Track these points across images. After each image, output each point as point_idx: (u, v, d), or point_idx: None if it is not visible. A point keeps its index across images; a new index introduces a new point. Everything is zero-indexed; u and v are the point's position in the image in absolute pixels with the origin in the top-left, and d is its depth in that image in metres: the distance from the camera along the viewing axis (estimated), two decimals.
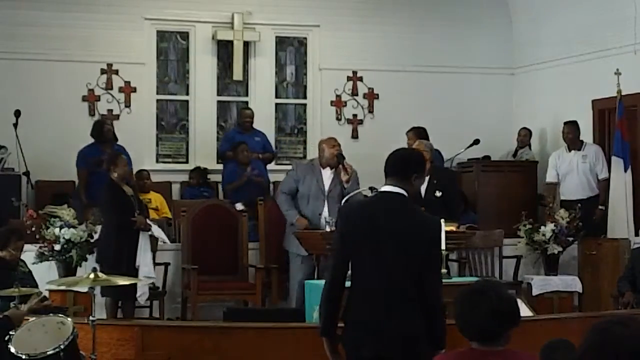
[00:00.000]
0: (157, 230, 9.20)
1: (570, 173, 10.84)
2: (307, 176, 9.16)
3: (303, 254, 9.08)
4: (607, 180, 10.59)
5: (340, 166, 9.11)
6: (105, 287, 7.87)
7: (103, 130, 10.59)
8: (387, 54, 12.45)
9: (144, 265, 8.93)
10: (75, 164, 10.56)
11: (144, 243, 8.99)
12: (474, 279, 8.31)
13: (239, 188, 10.79)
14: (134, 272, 8.66)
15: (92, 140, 10.66)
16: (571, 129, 10.90)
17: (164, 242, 9.49)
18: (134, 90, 11.86)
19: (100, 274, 6.41)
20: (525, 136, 11.96)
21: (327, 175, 9.20)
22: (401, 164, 4.81)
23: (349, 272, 4.79)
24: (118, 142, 10.72)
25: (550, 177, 11.01)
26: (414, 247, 4.61)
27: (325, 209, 9.06)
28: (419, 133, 10.52)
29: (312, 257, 9.02)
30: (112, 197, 8.98)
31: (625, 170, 10.33)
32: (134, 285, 8.57)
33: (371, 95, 12.57)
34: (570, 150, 10.91)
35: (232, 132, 11.72)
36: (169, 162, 12.10)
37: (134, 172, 10.67)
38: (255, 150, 11.22)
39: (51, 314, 6.56)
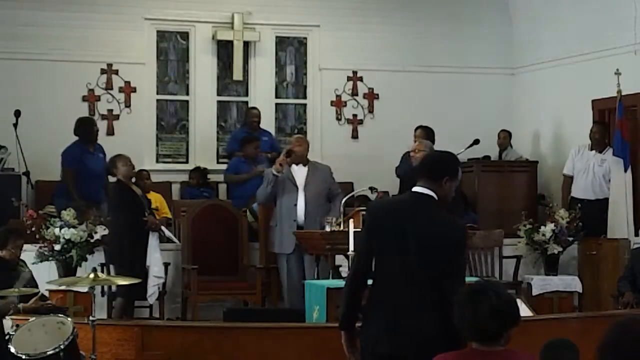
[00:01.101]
0: (167, 230, 9.25)
1: (584, 171, 10.81)
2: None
3: (286, 252, 9.22)
4: None
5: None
6: (118, 287, 7.87)
7: (93, 131, 10.54)
8: (387, 54, 12.45)
9: (154, 265, 8.96)
10: (62, 164, 10.34)
11: (153, 243, 9.01)
12: (474, 279, 8.29)
13: (243, 183, 10.79)
14: (145, 272, 8.68)
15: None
16: (599, 129, 10.86)
17: (172, 242, 9.51)
18: (134, 90, 11.86)
19: (100, 274, 6.43)
20: (504, 138, 11.96)
21: (299, 170, 9.39)
22: (433, 166, 4.81)
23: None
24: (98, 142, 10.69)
25: (566, 170, 10.99)
26: (438, 250, 4.60)
27: (301, 200, 9.25)
28: (427, 133, 10.66)
29: (296, 254, 9.16)
30: (122, 197, 9.00)
31: (625, 170, 10.32)
32: (142, 285, 8.55)
33: (371, 95, 12.56)
34: (591, 150, 10.87)
35: (240, 132, 11.68)
36: (169, 162, 12.09)
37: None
38: (263, 150, 11.20)
39: (51, 314, 6.57)
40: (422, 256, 4.59)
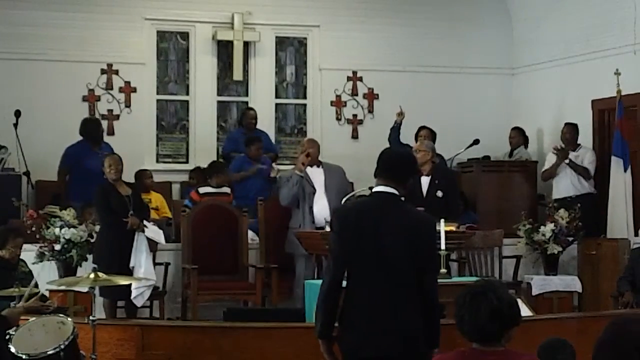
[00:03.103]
0: (151, 232, 9.12)
1: (562, 172, 10.90)
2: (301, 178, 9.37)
3: (305, 253, 9.22)
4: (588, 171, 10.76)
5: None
6: (102, 287, 7.87)
7: (98, 132, 10.59)
8: (387, 54, 12.45)
9: (139, 267, 8.86)
10: (62, 161, 10.51)
11: (139, 244, 8.92)
12: (474, 279, 8.31)
13: (246, 182, 10.79)
14: (127, 273, 8.61)
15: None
16: (569, 129, 11.02)
17: (159, 243, 9.45)
18: (134, 90, 11.86)
19: (100, 274, 6.43)
20: (515, 137, 11.90)
21: (314, 172, 9.42)
22: (400, 167, 4.87)
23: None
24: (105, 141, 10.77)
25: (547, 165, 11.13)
26: (414, 246, 4.65)
27: (324, 202, 9.26)
28: (431, 133, 10.72)
29: (313, 256, 9.14)
30: (102, 197, 8.96)
31: (625, 170, 10.35)
32: (127, 286, 8.52)
33: (371, 95, 12.57)
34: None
35: (237, 132, 11.69)
36: (169, 162, 12.09)
37: (135, 171, 10.69)
38: None
39: (51, 314, 6.57)
40: (399, 253, 4.63)
